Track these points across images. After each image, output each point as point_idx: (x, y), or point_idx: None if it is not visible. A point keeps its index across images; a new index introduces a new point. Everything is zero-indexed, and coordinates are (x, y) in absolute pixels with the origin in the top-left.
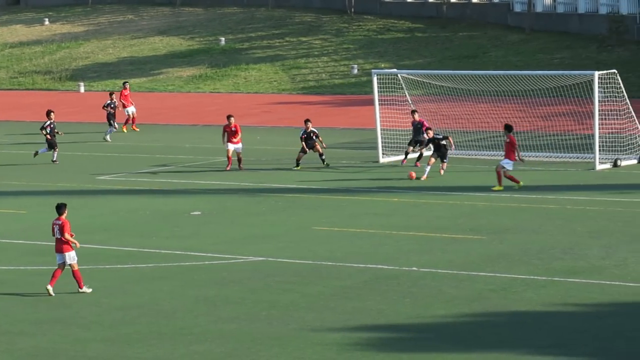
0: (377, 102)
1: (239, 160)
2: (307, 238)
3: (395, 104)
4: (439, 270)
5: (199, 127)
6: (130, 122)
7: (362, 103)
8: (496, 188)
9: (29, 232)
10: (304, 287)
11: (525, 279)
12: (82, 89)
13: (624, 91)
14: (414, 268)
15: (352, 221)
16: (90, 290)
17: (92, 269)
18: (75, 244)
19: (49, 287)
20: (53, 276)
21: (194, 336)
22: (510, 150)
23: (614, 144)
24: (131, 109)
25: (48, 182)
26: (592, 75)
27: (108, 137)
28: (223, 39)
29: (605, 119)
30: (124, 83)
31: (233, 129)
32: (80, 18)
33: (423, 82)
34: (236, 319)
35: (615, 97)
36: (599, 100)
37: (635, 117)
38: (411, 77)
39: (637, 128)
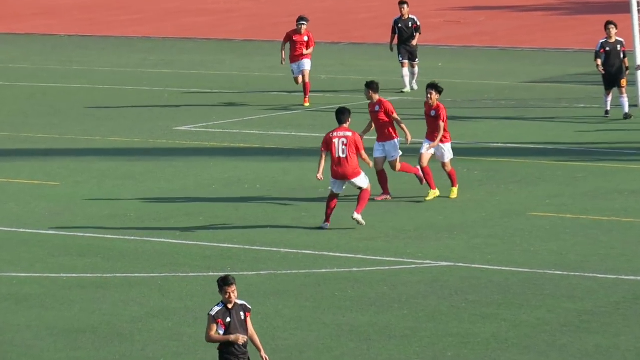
0: (634, 6)
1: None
2: (520, 230)
3: None
4: None
5: (341, 45)
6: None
7: (604, 10)
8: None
9: (62, 218)
10: (515, 311)
11: None
12: None
13: None
14: None
15: (594, 203)
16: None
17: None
18: (369, 164)
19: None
20: (329, 208)
21: None
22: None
23: None
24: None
25: (96, 136)
26: None
27: None
28: None
29: None
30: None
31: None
32: None
33: None
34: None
35: None
36: None
37: None
38: None
39: None
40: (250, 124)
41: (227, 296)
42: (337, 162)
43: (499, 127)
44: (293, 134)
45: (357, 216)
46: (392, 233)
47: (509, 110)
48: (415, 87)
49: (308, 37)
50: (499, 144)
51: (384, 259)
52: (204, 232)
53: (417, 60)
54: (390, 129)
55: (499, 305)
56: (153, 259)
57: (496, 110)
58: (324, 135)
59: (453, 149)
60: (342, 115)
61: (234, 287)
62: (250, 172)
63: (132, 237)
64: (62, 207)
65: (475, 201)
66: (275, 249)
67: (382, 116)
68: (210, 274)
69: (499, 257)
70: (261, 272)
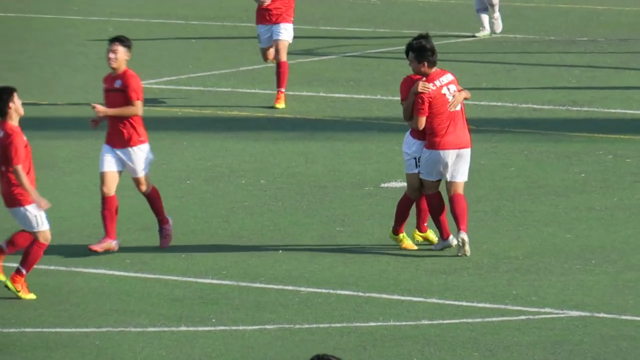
0: None
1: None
2: None
3: None
4: None
5: None
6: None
7: None
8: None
9: None
10: None
11: None
12: None
13: None
14: None
15: None
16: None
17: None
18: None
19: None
20: (438, 214)
21: None
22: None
23: None
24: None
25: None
26: None
27: None
28: None
29: None
30: None
31: None
32: None
33: None
34: None
35: None
36: None
37: None
38: None
39: None
40: (249, 78)
41: None
42: (448, 126)
43: None
44: (321, 94)
45: (465, 236)
46: (488, 262)
47: None
48: (499, 28)
49: None
50: None
51: (474, 305)
52: (172, 259)
53: None
54: (136, 126)
55: None
56: (87, 302)
57: None
58: (381, 97)
59: (589, 119)
60: (426, 51)
61: None
62: (249, 158)
63: (53, 267)
64: None
65: (626, 209)
66: (291, 288)
67: (125, 100)
68: (182, 328)
69: None
70: (267, 327)
